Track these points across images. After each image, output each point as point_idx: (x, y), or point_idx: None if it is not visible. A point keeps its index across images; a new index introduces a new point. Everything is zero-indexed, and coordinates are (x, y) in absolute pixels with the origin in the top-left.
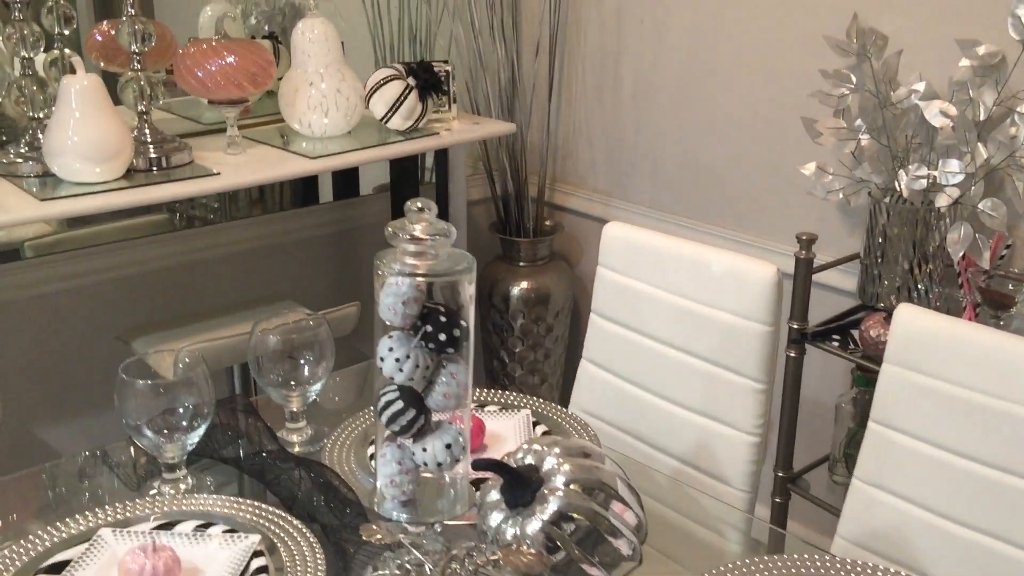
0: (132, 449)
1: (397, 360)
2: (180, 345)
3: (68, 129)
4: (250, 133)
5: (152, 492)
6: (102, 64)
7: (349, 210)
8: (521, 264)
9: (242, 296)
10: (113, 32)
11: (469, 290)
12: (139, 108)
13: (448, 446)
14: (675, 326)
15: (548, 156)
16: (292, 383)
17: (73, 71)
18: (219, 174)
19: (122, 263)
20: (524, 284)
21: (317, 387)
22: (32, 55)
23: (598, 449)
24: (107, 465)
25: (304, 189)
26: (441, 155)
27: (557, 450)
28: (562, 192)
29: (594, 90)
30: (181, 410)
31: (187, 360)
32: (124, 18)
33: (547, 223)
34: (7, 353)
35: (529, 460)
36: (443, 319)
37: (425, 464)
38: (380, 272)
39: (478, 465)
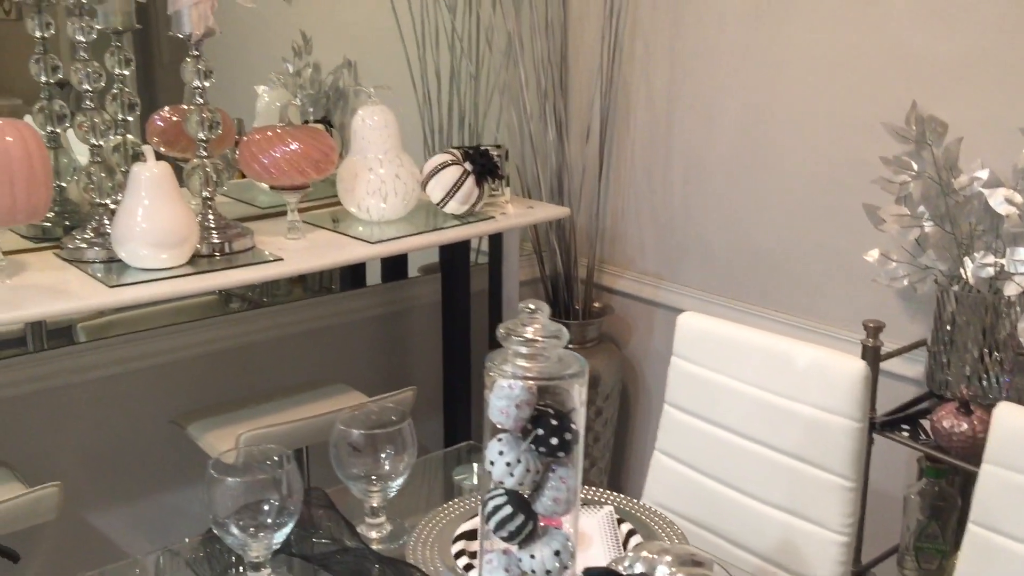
0: (208, 547)
1: (508, 464)
2: (237, 430)
3: (136, 216)
4: (305, 216)
5: None
6: (162, 149)
7: (398, 292)
8: (570, 346)
9: (293, 379)
10: (175, 118)
11: (581, 394)
12: (204, 194)
13: (557, 553)
14: (756, 419)
15: (597, 237)
16: (373, 477)
17: (141, 157)
18: (282, 260)
19: (174, 347)
20: None
21: (399, 482)
22: (101, 143)
23: (706, 555)
24: (189, 566)
25: (352, 270)
26: (494, 237)
27: (668, 558)
28: (610, 274)
29: (643, 172)
30: (267, 507)
31: (276, 458)
32: (192, 106)
33: (596, 305)
34: (62, 437)
35: (640, 568)
36: (554, 422)
37: (533, 572)
38: (491, 374)
39: (590, 574)
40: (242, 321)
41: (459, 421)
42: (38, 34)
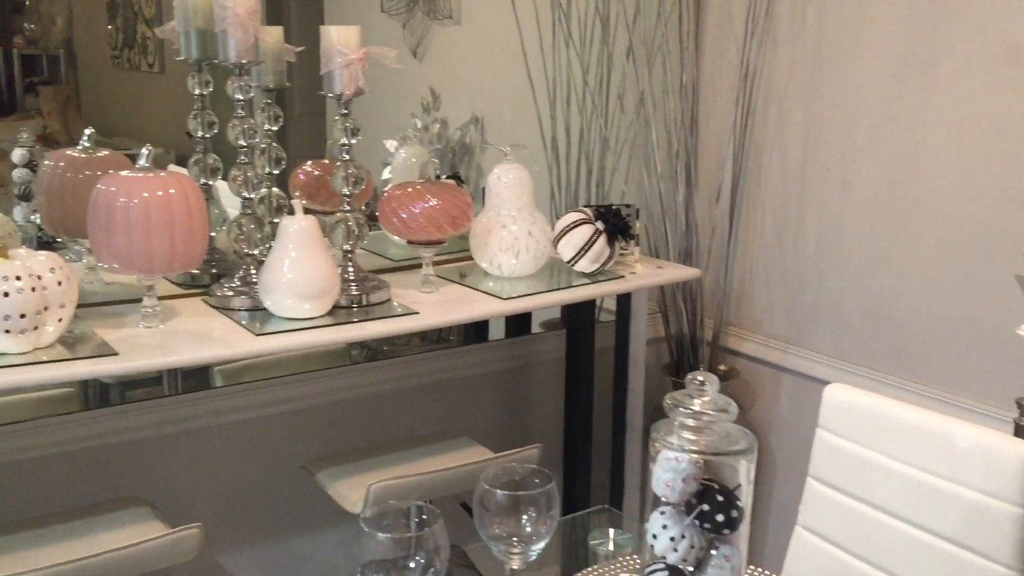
0: None
1: (672, 539)
2: (366, 480)
3: (283, 267)
4: (434, 270)
5: None
6: (304, 201)
7: (522, 347)
8: None
9: (417, 430)
10: (317, 172)
11: (749, 471)
12: (345, 247)
13: None
14: (910, 500)
15: (724, 299)
16: (515, 539)
17: (286, 210)
18: (418, 313)
19: (303, 394)
20: None
21: (540, 545)
22: (252, 196)
23: None
24: None
25: (475, 323)
26: (622, 296)
27: None
28: (737, 336)
29: (774, 234)
30: (412, 564)
31: (424, 516)
32: (339, 162)
33: (721, 367)
34: (197, 478)
35: None
36: (720, 498)
37: None
38: (657, 445)
39: None
40: (369, 371)
41: (579, 480)
42: (197, 91)
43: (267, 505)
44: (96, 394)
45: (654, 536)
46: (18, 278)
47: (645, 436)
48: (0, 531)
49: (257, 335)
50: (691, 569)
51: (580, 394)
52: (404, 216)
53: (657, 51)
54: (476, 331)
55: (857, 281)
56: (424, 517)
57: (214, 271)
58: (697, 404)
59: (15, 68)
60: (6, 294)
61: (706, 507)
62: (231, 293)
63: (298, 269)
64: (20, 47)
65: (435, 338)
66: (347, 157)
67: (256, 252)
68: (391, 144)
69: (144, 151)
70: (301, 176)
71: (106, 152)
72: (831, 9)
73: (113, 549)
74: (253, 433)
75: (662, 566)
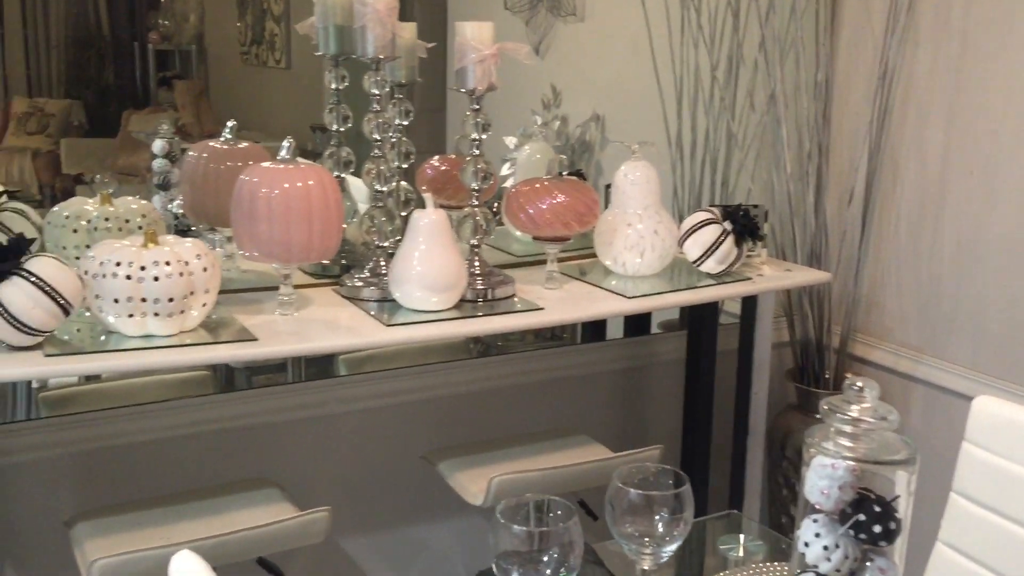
0: None
1: (825, 548)
2: (487, 472)
3: (413, 259)
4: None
5: None
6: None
7: (641, 347)
8: (818, 416)
9: (533, 426)
10: (444, 167)
11: (910, 482)
12: (472, 242)
13: None
14: None
15: (853, 305)
16: (647, 539)
17: (413, 204)
18: (543, 309)
19: (424, 385)
20: None
21: (673, 547)
22: (384, 189)
23: None
24: None
25: (593, 323)
26: (748, 298)
27: None
28: (865, 344)
29: (909, 239)
30: (546, 558)
31: (559, 512)
32: (468, 157)
33: (847, 375)
34: (322, 463)
35: None
36: (877, 508)
37: None
38: (811, 450)
39: None
40: (487, 366)
41: (696, 484)
42: (333, 86)
43: (387, 492)
44: (222, 379)
45: (806, 544)
46: (167, 263)
47: (768, 441)
48: (140, 506)
49: (387, 325)
50: None
51: (700, 397)
52: (531, 212)
53: (790, 47)
54: (593, 330)
55: (999, 290)
56: (559, 512)
57: (343, 262)
58: (855, 410)
59: (149, 63)
60: (156, 278)
61: (862, 517)
62: (361, 284)
63: (428, 262)
64: (154, 43)
65: (548, 336)
66: (477, 152)
67: (386, 244)
68: (511, 141)
69: (285, 143)
70: (428, 171)
71: (246, 144)
72: (978, 5)
73: (248, 528)
74: (375, 422)
75: (812, 575)
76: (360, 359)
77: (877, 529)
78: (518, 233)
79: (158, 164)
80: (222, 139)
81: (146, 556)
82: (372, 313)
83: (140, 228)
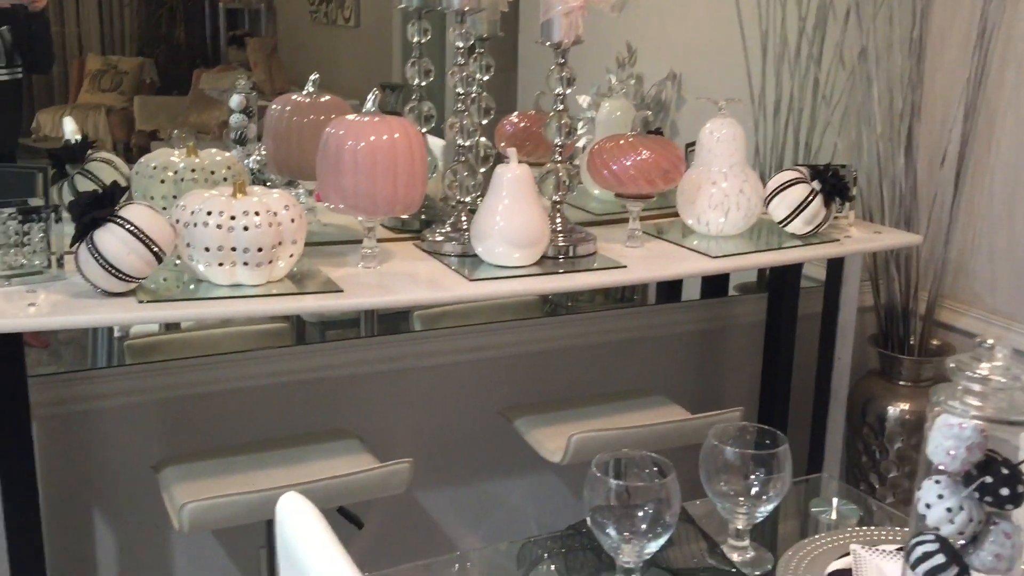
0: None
1: (948, 510)
2: (565, 430)
3: (497, 215)
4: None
5: None
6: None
7: (719, 309)
8: (901, 383)
9: (609, 386)
10: (523, 124)
11: None
12: (554, 198)
13: None
14: None
15: (942, 270)
16: (741, 499)
17: (492, 160)
18: (626, 267)
19: (499, 343)
20: (904, 405)
21: (769, 508)
22: (467, 144)
23: None
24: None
25: (667, 283)
26: (833, 261)
27: None
28: (952, 310)
29: (1003, 204)
30: (640, 513)
31: (655, 468)
32: (553, 112)
33: (934, 342)
34: (399, 416)
35: None
36: (1005, 471)
37: None
38: (937, 408)
39: None
40: (563, 324)
41: None
42: (416, 39)
43: (463, 447)
44: (296, 332)
45: (927, 506)
46: (257, 213)
47: (849, 407)
48: (224, 452)
49: (470, 280)
50: (962, 543)
51: (779, 360)
52: (615, 168)
53: (883, 3)
54: (669, 291)
55: None
56: (655, 468)
57: (423, 217)
58: (985, 368)
59: (220, 21)
60: (246, 228)
61: (989, 479)
62: (442, 239)
63: (510, 217)
64: (225, 1)
65: (619, 296)
66: (561, 107)
67: (468, 200)
68: (584, 100)
69: (371, 96)
70: (507, 127)
71: (328, 97)
72: None
73: (332, 476)
74: (451, 377)
75: (932, 538)
76: (434, 315)
77: (1005, 492)
78: (596, 191)
79: (235, 119)
80: (305, 92)
81: (234, 501)
82: (453, 268)
83: (225, 180)
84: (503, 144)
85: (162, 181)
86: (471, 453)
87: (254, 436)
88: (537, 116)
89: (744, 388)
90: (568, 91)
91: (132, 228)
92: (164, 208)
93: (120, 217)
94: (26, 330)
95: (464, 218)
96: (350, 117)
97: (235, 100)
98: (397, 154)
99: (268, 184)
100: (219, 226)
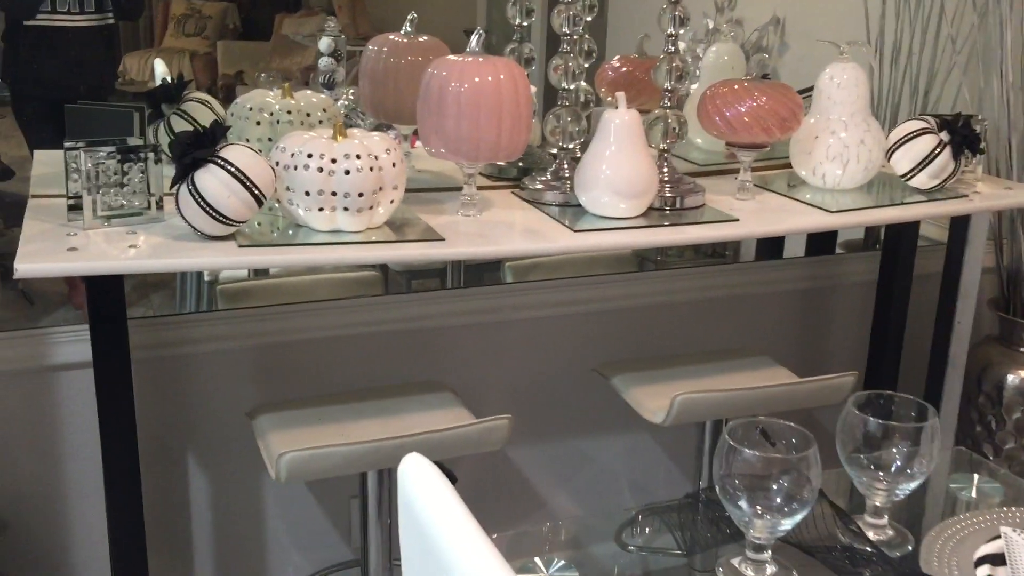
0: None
1: None
2: (665, 389)
3: (603, 163)
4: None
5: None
6: (610, 99)
7: (825, 267)
8: (1022, 350)
9: (708, 344)
10: (625, 68)
11: None
12: (662, 146)
13: None
14: None
15: None
16: (881, 474)
17: (593, 104)
18: (738, 220)
19: (594, 297)
20: None
21: (912, 485)
22: (572, 87)
23: None
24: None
25: (768, 240)
26: (957, 219)
27: None
28: None
29: None
30: (775, 486)
31: (794, 440)
32: (664, 55)
33: None
34: (491, 370)
35: None
36: None
37: None
38: None
39: None
40: (659, 280)
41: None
42: None
43: (555, 403)
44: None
45: None
46: (358, 156)
47: (966, 375)
48: (318, 402)
49: (574, 231)
50: None
51: (892, 323)
52: (728, 115)
53: None
54: (770, 247)
55: None
56: (793, 440)
57: (521, 164)
58: None
59: None
60: (347, 172)
61: None
62: (542, 187)
63: (617, 166)
64: None
65: (710, 251)
66: (672, 50)
67: (571, 146)
68: (680, 45)
69: (475, 35)
70: (609, 72)
71: (427, 37)
72: None
73: (429, 431)
74: (545, 331)
75: None
76: (525, 267)
77: None
78: (699, 140)
79: (324, 63)
80: (403, 32)
81: (331, 452)
82: (555, 217)
83: (320, 123)
84: (603, 89)
85: (258, 123)
86: (563, 409)
87: (347, 385)
88: (640, 61)
89: (850, 351)
90: (680, 31)
91: (234, 170)
92: (259, 151)
93: (221, 158)
94: (128, 272)
95: (566, 166)
96: (452, 57)
97: (324, 43)
98: (502, 97)
99: (358, 129)
100: (320, 169)
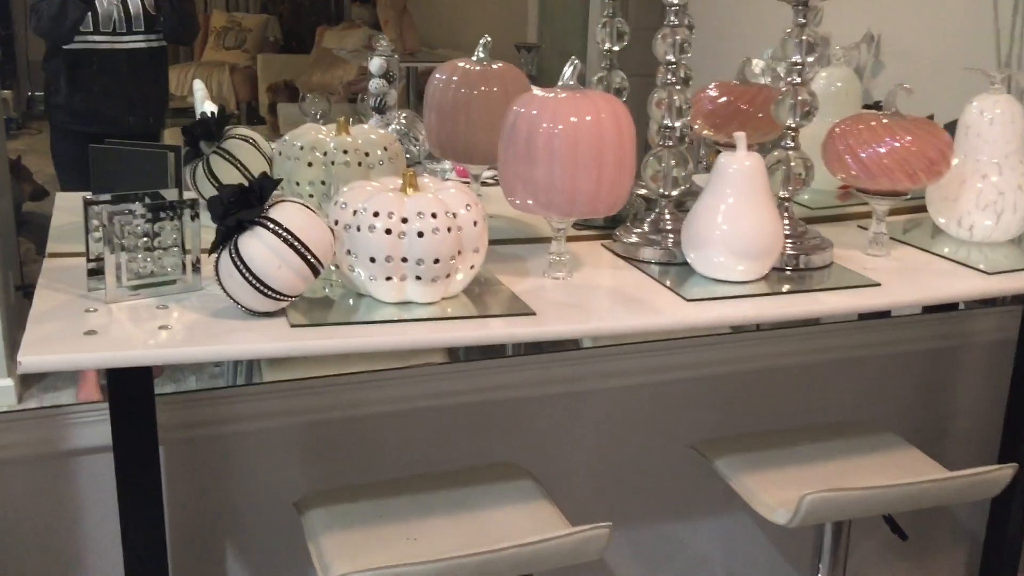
0: None
1: None
2: (784, 480)
3: (718, 216)
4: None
5: None
6: (706, 133)
7: (949, 325)
8: None
9: (819, 415)
10: (723, 98)
11: None
12: (782, 194)
13: None
14: None
15: None
16: None
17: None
18: (880, 285)
19: (688, 363)
20: None
21: None
22: (677, 125)
23: None
24: None
25: None
26: None
27: None
28: None
29: None
30: None
31: None
32: (786, 87)
33: None
34: (571, 445)
35: None
36: None
37: None
38: None
39: None
40: (761, 342)
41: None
42: None
43: (645, 484)
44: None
45: None
46: (433, 215)
47: None
48: (378, 491)
49: (687, 300)
50: None
51: None
52: (863, 157)
53: None
54: None
55: None
56: None
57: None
58: None
59: None
60: (420, 234)
61: None
62: (638, 240)
63: (736, 220)
64: None
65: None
66: (798, 80)
67: (674, 193)
68: (758, 64)
69: (570, 65)
70: (707, 104)
71: (501, 64)
72: None
73: (520, 544)
74: (632, 402)
75: None
76: None
77: None
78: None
79: (375, 85)
80: (475, 59)
81: (403, 573)
82: (656, 278)
83: (380, 163)
84: (697, 123)
85: (309, 164)
86: (653, 491)
87: (409, 468)
88: (743, 89)
89: (980, 419)
90: (809, 59)
91: (286, 234)
92: (311, 196)
93: (271, 219)
94: (158, 363)
95: (667, 216)
96: (541, 92)
97: (376, 64)
98: (604, 140)
99: (417, 163)
100: (388, 231)
